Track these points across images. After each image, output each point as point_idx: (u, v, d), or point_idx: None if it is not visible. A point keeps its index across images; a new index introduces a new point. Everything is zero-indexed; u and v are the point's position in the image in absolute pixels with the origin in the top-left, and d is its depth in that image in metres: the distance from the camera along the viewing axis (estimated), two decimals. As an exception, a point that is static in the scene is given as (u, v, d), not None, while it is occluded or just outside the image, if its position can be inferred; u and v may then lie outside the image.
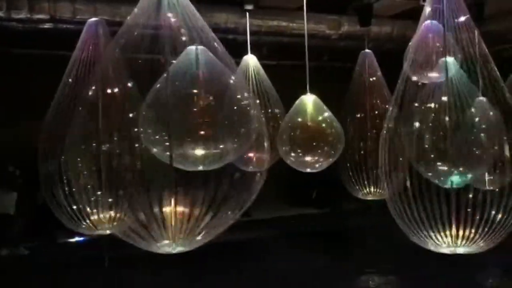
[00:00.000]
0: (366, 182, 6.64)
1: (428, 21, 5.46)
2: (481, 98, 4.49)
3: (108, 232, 4.22)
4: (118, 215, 3.98)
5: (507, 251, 4.10)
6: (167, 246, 2.76)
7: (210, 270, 6.46)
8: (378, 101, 6.45)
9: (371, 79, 6.52)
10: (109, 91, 3.88)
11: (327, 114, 3.70)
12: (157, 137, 2.66)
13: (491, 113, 4.40)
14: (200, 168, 2.74)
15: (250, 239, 7.36)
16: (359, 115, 6.45)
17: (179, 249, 2.77)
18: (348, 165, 6.55)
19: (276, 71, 5.47)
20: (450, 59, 4.50)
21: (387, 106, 6.48)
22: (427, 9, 3.87)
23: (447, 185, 4.08)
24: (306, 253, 7.57)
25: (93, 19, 4.52)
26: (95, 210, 4.26)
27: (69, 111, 4.45)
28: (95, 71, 4.12)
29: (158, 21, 2.84)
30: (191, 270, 6.23)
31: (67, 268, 6.77)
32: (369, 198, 6.74)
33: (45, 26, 6.70)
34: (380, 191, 6.64)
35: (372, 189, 6.67)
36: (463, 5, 3.71)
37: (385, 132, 3.85)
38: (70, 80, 4.53)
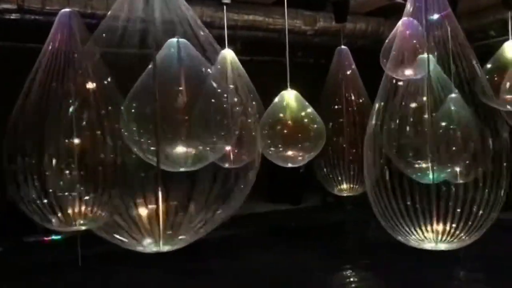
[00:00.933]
0: (341, 178, 6.69)
1: (405, 18, 5.52)
2: (454, 95, 4.55)
3: (82, 228, 4.08)
4: (93, 210, 3.87)
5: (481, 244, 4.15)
6: (154, 246, 2.67)
7: (190, 267, 6.34)
8: (354, 97, 6.49)
9: (347, 75, 6.55)
10: (86, 86, 3.77)
11: (308, 109, 3.68)
12: (139, 135, 2.55)
13: (463, 109, 4.47)
14: (182, 169, 2.67)
15: (226, 236, 7.27)
16: (335, 111, 6.48)
17: (166, 248, 2.69)
18: (324, 160, 6.58)
19: (250, 66, 5.41)
20: (427, 56, 4.55)
21: (361, 101, 6.58)
22: (409, 6, 3.87)
23: (426, 181, 4.13)
24: (281, 249, 7.56)
25: (66, 9, 4.35)
26: (68, 205, 4.11)
27: (39, 105, 4.28)
28: (71, 65, 3.97)
29: (139, 14, 2.74)
30: (168, 268, 6.12)
31: (37, 269, 6.50)
32: (345, 194, 6.80)
33: (12, 17, 6.42)
34: (356, 187, 6.70)
35: (347, 185, 6.72)
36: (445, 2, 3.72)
37: (368, 129, 3.86)
38: (39, 73, 4.34)
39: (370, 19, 8.62)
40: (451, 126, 4.18)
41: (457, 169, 4.26)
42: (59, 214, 4.16)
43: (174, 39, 2.81)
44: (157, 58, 2.72)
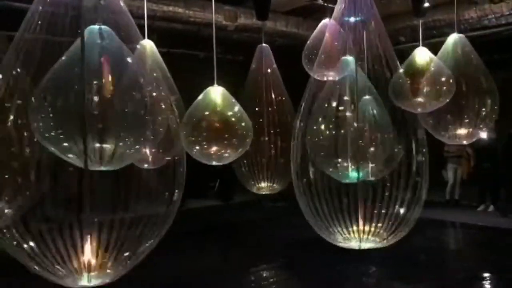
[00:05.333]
0: (259, 177, 6.66)
1: (326, 20, 5.59)
2: (367, 97, 4.69)
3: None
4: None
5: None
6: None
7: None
8: (274, 96, 6.48)
9: (268, 73, 6.52)
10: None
11: (236, 106, 3.55)
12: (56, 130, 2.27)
13: (375, 110, 4.61)
14: (103, 168, 2.42)
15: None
16: (255, 109, 6.42)
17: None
18: (243, 159, 6.51)
19: (167, 59, 5.18)
20: (349, 58, 4.63)
21: (281, 99, 6.61)
22: (338, 8, 3.89)
23: (346, 180, 4.20)
24: (197, 247, 7.41)
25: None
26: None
27: None
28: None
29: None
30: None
31: None
32: (262, 192, 6.78)
33: None
34: (274, 185, 6.72)
35: (265, 184, 6.71)
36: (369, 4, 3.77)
37: (295, 130, 3.83)
38: None
39: (289, 18, 8.71)
40: (368, 126, 4.28)
41: (372, 167, 4.38)
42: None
43: (95, 26, 2.55)
44: (75, 46, 2.45)
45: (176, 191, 3.00)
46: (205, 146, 3.48)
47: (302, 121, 4.01)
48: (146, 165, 3.68)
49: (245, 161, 6.54)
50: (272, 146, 6.45)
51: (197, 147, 3.51)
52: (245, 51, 7.30)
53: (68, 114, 2.27)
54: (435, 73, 4.78)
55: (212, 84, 3.87)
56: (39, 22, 2.51)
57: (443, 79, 4.59)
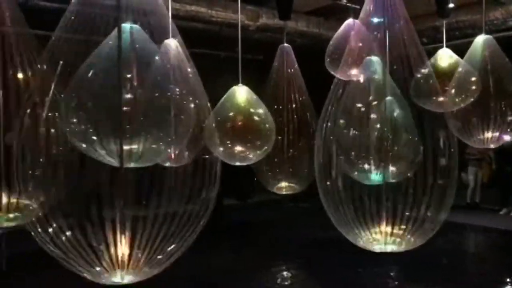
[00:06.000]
0: (281, 176, 6.65)
1: (351, 20, 5.56)
2: (390, 97, 4.65)
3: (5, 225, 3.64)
4: (21, 201, 3.50)
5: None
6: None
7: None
8: (296, 95, 6.48)
9: (290, 73, 6.52)
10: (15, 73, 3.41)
11: (260, 105, 3.54)
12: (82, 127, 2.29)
13: (400, 111, 4.56)
14: (132, 164, 2.45)
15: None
16: (276, 109, 6.42)
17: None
18: (263, 158, 6.49)
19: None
20: (374, 58, 4.60)
21: (302, 99, 6.60)
22: (365, 7, 3.86)
23: (369, 182, 4.17)
24: (214, 247, 7.43)
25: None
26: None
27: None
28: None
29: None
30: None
31: None
32: (283, 192, 6.76)
33: None
34: (294, 185, 6.70)
35: (285, 184, 6.70)
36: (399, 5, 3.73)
37: (319, 131, 3.82)
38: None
39: (311, 18, 8.68)
40: (394, 127, 4.24)
41: (397, 168, 4.34)
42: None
43: (127, 25, 2.58)
44: (106, 46, 2.47)
45: (211, 189, 3.01)
46: (229, 146, 3.48)
47: (327, 122, 3.99)
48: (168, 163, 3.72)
49: (265, 161, 6.54)
50: (292, 146, 6.44)
51: (221, 148, 3.51)
52: (265, 50, 7.29)
53: (101, 112, 2.30)
54: (461, 74, 4.73)
55: (234, 83, 3.87)
56: (75, 21, 2.54)
57: (469, 79, 4.54)
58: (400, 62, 4.29)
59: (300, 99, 6.54)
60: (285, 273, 6.30)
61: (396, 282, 5.66)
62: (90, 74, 2.33)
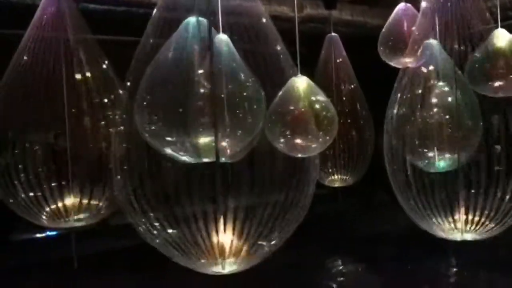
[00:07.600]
0: (333, 169, 6.56)
1: (402, 4, 5.38)
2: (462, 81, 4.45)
3: (77, 224, 3.71)
4: (91, 202, 3.56)
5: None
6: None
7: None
8: (346, 85, 6.37)
9: (338, 63, 6.43)
10: (79, 73, 3.48)
11: (320, 96, 3.45)
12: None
13: (466, 96, 4.38)
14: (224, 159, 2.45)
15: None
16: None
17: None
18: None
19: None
20: (433, 42, 4.43)
21: (352, 88, 6.48)
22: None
23: (434, 170, 4.03)
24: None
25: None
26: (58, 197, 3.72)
27: (22, 94, 3.91)
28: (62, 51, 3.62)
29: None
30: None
31: (25, 271, 5.69)
32: (336, 185, 6.67)
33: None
34: (347, 178, 6.59)
35: (339, 176, 6.60)
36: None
37: (386, 120, 3.72)
38: (23, 60, 3.93)
39: (355, 6, 8.50)
40: (461, 113, 4.08)
41: (465, 155, 4.18)
42: (49, 208, 3.77)
43: (193, 18, 2.56)
44: (176, 42, 2.46)
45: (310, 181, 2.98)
46: (290, 138, 3.41)
47: (393, 111, 3.88)
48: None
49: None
50: (345, 137, 6.33)
51: (282, 139, 3.44)
52: (309, 41, 7.18)
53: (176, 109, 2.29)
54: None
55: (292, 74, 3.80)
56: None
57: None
58: (463, 44, 4.13)
59: (350, 88, 6.44)
60: (344, 267, 6.20)
61: (474, 271, 5.41)
62: (165, 69, 2.33)
